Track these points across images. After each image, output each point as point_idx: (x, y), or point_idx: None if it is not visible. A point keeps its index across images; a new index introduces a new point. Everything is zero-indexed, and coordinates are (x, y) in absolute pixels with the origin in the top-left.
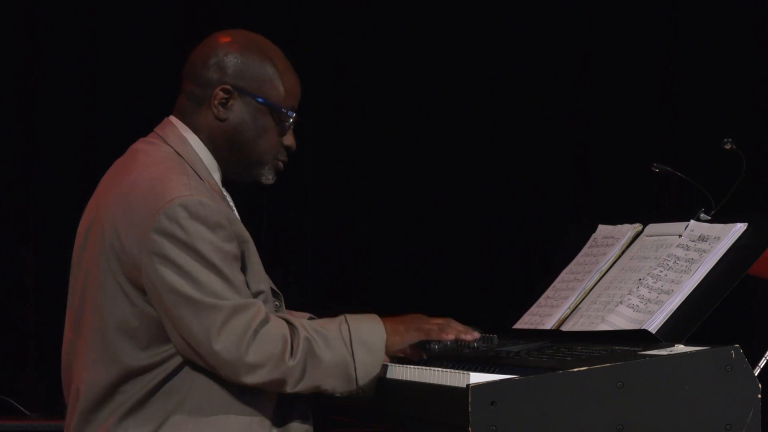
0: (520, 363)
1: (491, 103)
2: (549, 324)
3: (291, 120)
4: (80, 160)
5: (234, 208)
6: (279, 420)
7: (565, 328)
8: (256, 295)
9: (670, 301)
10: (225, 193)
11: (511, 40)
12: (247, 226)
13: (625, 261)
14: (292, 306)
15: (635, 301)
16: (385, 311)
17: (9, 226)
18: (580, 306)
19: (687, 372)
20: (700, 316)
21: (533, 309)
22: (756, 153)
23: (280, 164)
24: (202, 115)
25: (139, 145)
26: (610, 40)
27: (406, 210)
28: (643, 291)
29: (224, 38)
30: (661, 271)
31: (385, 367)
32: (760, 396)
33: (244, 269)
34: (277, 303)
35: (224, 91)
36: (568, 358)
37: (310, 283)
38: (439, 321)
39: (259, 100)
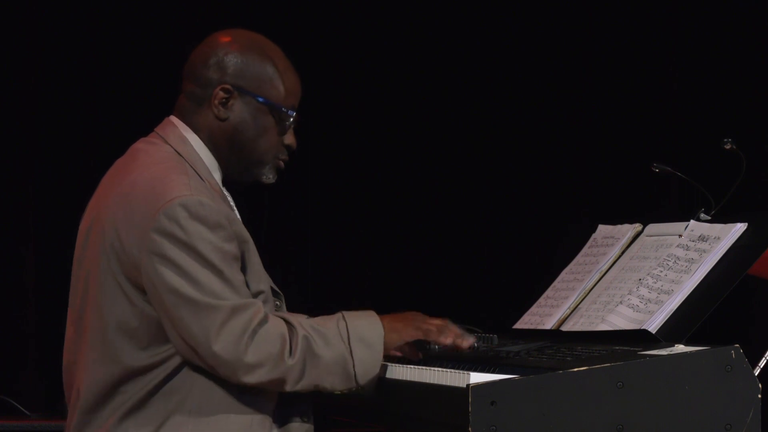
0: (520, 363)
1: (491, 103)
2: (549, 324)
3: (291, 119)
4: (80, 160)
5: (234, 208)
6: (279, 420)
7: (565, 328)
8: (256, 295)
9: (670, 301)
10: (225, 192)
11: (511, 40)
12: (247, 225)
13: (625, 261)
14: (292, 306)
15: (635, 301)
16: (385, 311)
17: (9, 226)
18: (580, 306)
19: (687, 372)
20: (700, 316)
21: (533, 309)
22: (756, 153)
23: (281, 163)
24: (203, 114)
25: (140, 144)
26: (610, 40)
27: (406, 210)
28: (643, 291)
29: (224, 38)
30: (661, 271)
31: (384, 367)
32: (760, 396)
33: (244, 269)
34: (277, 303)
35: (224, 90)
36: (568, 358)
37: (310, 283)
38: (438, 322)
39: (260, 99)
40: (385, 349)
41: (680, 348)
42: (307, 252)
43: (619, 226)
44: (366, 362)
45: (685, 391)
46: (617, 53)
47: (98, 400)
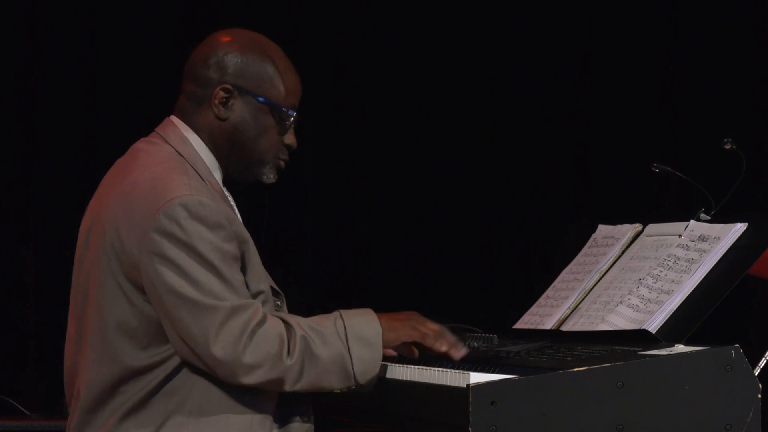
0: (520, 363)
1: (491, 103)
2: (549, 324)
3: (292, 119)
4: (80, 160)
5: (235, 208)
6: (280, 420)
7: (565, 328)
8: (256, 295)
9: (670, 301)
10: (226, 192)
11: (511, 40)
12: (247, 225)
13: (625, 261)
14: (292, 305)
15: (635, 301)
16: (385, 311)
17: (9, 226)
18: (580, 306)
19: (687, 372)
20: (700, 316)
21: (533, 309)
22: (756, 153)
23: (281, 163)
24: (203, 114)
25: (140, 144)
26: (610, 40)
27: (406, 210)
28: (643, 291)
29: (224, 37)
30: (661, 271)
31: (384, 367)
32: (760, 396)
33: (243, 269)
34: (278, 303)
35: (225, 90)
36: (568, 358)
37: (310, 283)
38: (435, 327)
39: (260, 99)
40: (383, 347)
41: (680, 348)
42: (307, 252)
43: (619, 226)
44: (365, 360)
45: (685, 391)
46: (617, 53)
47: (98, 400)
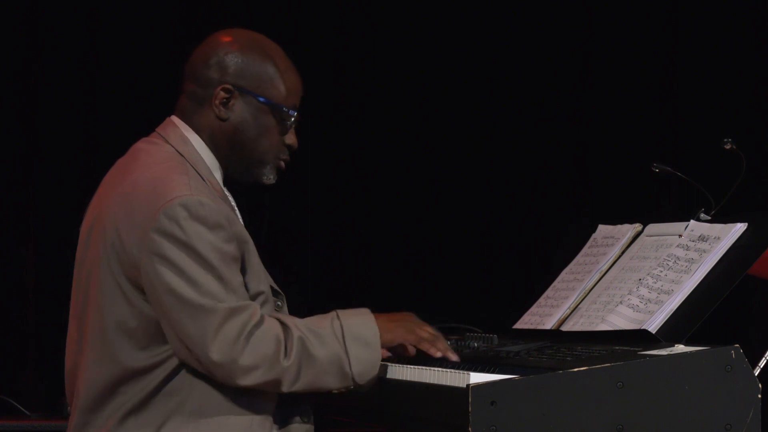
0: (520, 363)
1: (491, 103)
2: (549, 324)
3: (292, 119)
4: (80, 160)
5: (236, 208)
6: (280, 420)
7: (565, 328)
8: (256, 296)
9: (670, 301)
10: (227, 192)
11: (511, 40)
12: (247, 225)
13: (625, 261)
14: (292, 305)
15: (635, 301)
16: (385, 311)
17: (9, 226)
18: (580, 306)
19: (687, 372)
20: (700, 316)
21: (533, 309)
22: (756, 153)
23: (282, 163)
24: (204, 114)
25: (141, 144)
26: (610, 40)
27: (406, 210)
28: (643, 291)
29: (225, 37)
30: (661, 271)
31: (384, 367)
32: (760, 396)
33: (243, 270)
34: (278, 303)
35: (225, 90)
36: (568, 358)
37: (310, 283)
38: (431, 331)
39: (261, 99)
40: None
41: (680, 348)
42: (307, 252)
43: (619, 226)
44: (363, 360)
45: (685, 391)
46: (617, 53)
47: (98, 400)
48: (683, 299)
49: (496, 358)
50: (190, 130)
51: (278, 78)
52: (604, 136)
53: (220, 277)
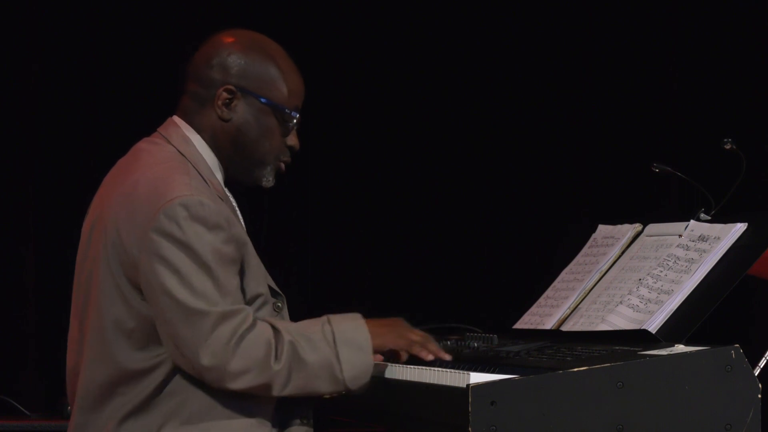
0: (520, 363)
1: (491, 103)
2: (549, 324)
3: (294, 120)
4: (80, 160)
5: (237, 209)
6: (279, 421)
7: (565, 328)
8: (254, 297)
9: (670, 301)
10: (228, 193)
11: (511, 40)
12: (248, 226)
13: (625, 261)
14: (292, 306)
15: (635, 301)
16: (385, 311)
17: (9, 226)
18: (580, 306)
19: (687, 372)
20: (700, 316)
21: (533, 309)
22: (756, 153)
23: (282, 165)
24: (206, 115)
25: (143, 144)
26: (610, 40)
27: (406, 210)
28: (643, 291)
29: (227, 38)
30: (661, 271)
31: (384, 367)
32: (760, 396)
33: (242, 272)
34: (278, 304)
35: (227, 91)
36: (568, 358)
37: (310, 283)
38: (421, 335)
39: (263, 100)
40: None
41: (680, 348)
42: (307, 252)
43: (619, 226)
44: (356, 365)
45: (685, 391)
46: (617, 53)
47: (97, 399)
48: (683, 299)
49: (496, 358)
50: (192, 130)
51: (280, 79)
52: (604, 136)
53: (215, 280)
